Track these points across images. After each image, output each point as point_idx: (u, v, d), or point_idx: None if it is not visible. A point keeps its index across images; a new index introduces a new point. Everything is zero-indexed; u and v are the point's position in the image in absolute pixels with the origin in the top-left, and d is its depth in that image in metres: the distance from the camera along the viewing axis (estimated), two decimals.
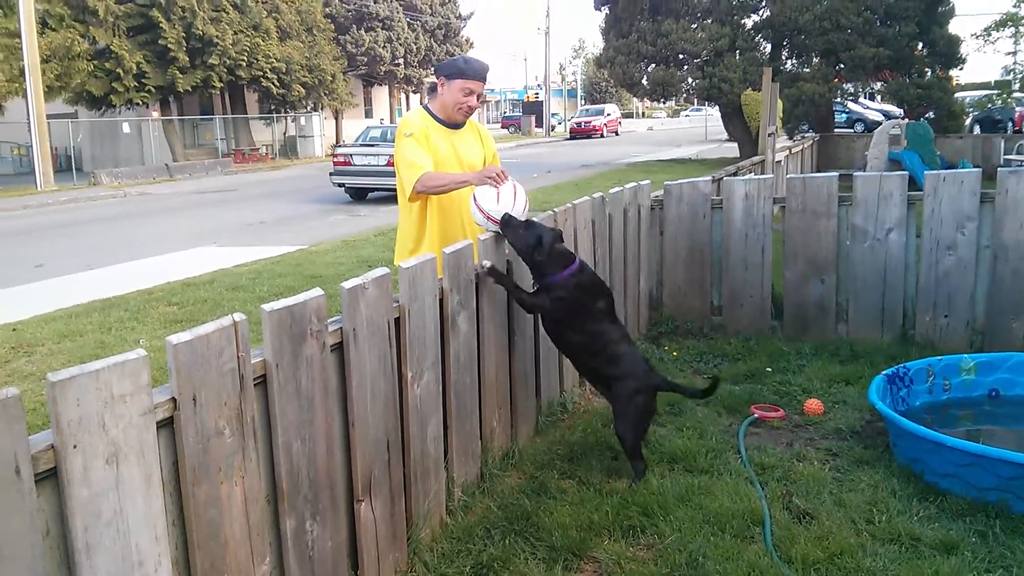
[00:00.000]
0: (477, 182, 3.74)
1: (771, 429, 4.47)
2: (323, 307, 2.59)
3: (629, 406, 3.70)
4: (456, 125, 4.03)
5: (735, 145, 27.11)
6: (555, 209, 4.60)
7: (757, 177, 6.18)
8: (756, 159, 11.41)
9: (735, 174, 9.63)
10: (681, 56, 24.87)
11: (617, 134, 53.44)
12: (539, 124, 55.94)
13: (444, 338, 3.37)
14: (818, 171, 17.98)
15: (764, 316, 5.98)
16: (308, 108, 36.58)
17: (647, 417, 3.78)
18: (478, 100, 4.01)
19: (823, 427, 4.45)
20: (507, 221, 3.67)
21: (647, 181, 6.22)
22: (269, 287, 8.60)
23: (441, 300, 3.35)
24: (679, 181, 6.24)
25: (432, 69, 46.06)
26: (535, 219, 3.88)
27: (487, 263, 3.59)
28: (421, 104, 4.16)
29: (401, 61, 42.76)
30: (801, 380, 5.06)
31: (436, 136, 3.96)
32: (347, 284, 2.75)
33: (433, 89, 4.07)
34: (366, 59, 40.14)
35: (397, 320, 3.04)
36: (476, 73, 3.93)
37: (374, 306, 2.85)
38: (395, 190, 4.17)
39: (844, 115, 36.05)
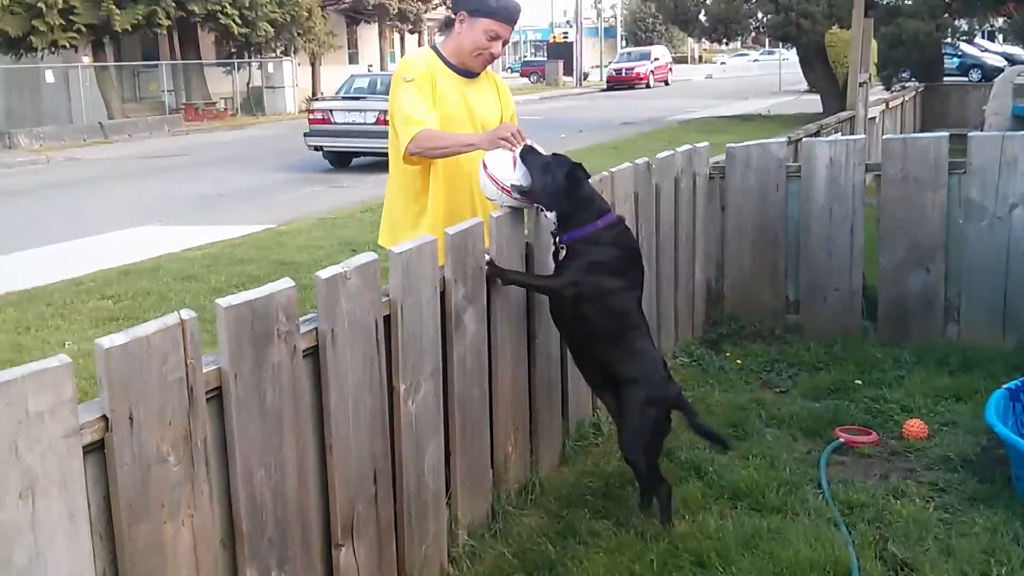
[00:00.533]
0: (488, 145, 3.73)
1: (861, 457, 4.44)
2: (294, 301, 2.59)
3: (642, 419, 3.68)
4: (471, 74, 4.03)
5: (817, 98, 26.95)
6: (589, 180, 4.58)
7: (845, 138, 6.13)
8: (844, 115, 11.35)
9: (817, 134, 9.59)
10: None
11: (667, 84, 53.43)
12: (568, 72, 55.93)
13: (446, 341, 3.37)
14: (922, 130, 17.87)
15: (853, 314, 5.95)
16: (278, 52, 36.71)
17: (661, 437, 3.79)
18: (503, 46, 4.01)
19: (927, 455, 4.42)
20: (528, 149, 3.67)
21: (704, 143, 6.19)
22: (227, 276, 8.66)
23: (443, 293, 3.35)
24: (745, 143, 6.21)
25: (437, 2, 46.28)
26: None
27: (487, 256, 3.59)
28: (431, 46, 4.15)
29: None
30: (899, 395, 5.04)
31: (445, 84, 3.96)
32: (324, 273, 2.75)
33: (448, 25, 4.12)
34: None
35: (387, 318, 3.04)
36: (508, 14, 3.93)
37: (358, 300, 2.85)
38: (386, 155, 4.18)
39: (956, 60, 35.83)
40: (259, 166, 18.93)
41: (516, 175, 3.64)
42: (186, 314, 2.27)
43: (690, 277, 6.00)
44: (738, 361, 5.71)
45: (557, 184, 3.62)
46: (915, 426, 4.62)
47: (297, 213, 12.77)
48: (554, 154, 3.74)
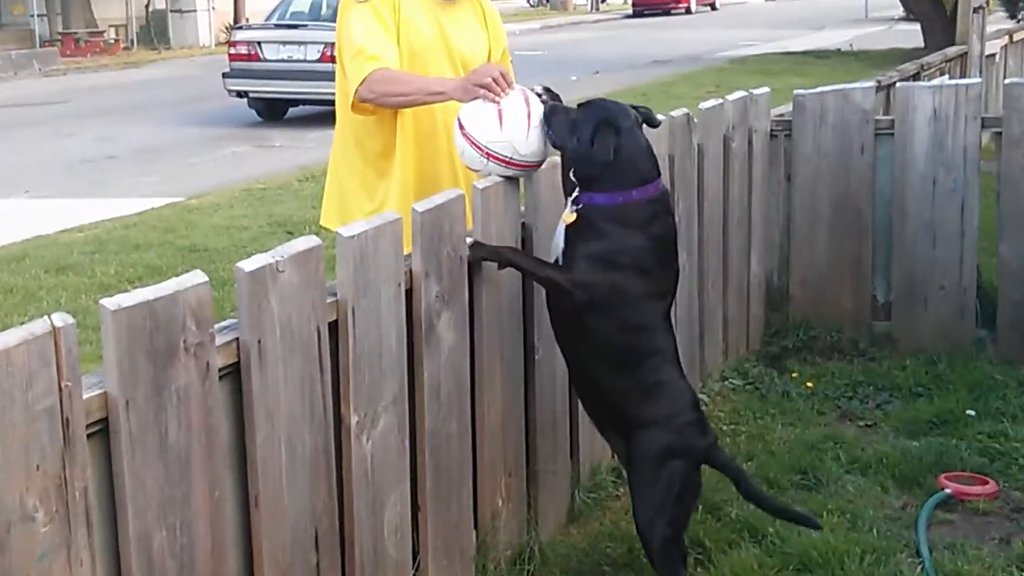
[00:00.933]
0: (462, 94, 3.75)
1: (974, 514, 4.44)
2: (207, 303, 2.58)
3: (659, 478, 3.63)
4: None
5: (916, 28, 26.97)
6: None
7: (954, 82, 6.14)
8: (952, 51, 11.39)
9: (916, 76, 9.63)
10: None
11: (714, 7, 53.57)
12: None
13: (414, 357, 3.37)
14: None
15: (964, 322, 5.97)
16: None
17: (687, 504, 3.72)
18: None
19: None
20: (553, 109, 3.66)
21: (764, 89, 6.20)
22: (118, 267, 8.66)
23: (410, 292, 3.34)
24: (819, 89, 6.21)
25: None
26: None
27: (467, 238, 3.58)
28: None
29: None
30: None
31: (413, 8, 3.98)
32: (248, 264, 2.74)
33: None
34: None
35: (334, 325, 3.04)
36: None
37: (294, 301, 2.84)
38: (333, 103, 4.21)
39: None
40: (162, 118, 18.93)
41: (505, 133, 3.64)
42: (60, 319, 2.26)
43: (744, 271, 6.01)
44: (809, 384, 5.72)
45: (587, 149, 3.56)
46: None
47: (213, 182, 12.76)
48: (590, 102, 3.69)
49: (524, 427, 4.02)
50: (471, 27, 4.16)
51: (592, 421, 3.97)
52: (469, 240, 3.59)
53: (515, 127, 3.66)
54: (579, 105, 3.75)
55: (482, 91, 3.68)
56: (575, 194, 3.65)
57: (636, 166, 3.62)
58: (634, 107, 3.74)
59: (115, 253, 9.14)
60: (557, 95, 3.81)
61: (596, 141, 3.54)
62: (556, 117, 3.69)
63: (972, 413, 5.27)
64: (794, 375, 5.82)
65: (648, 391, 3.67)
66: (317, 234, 9.30)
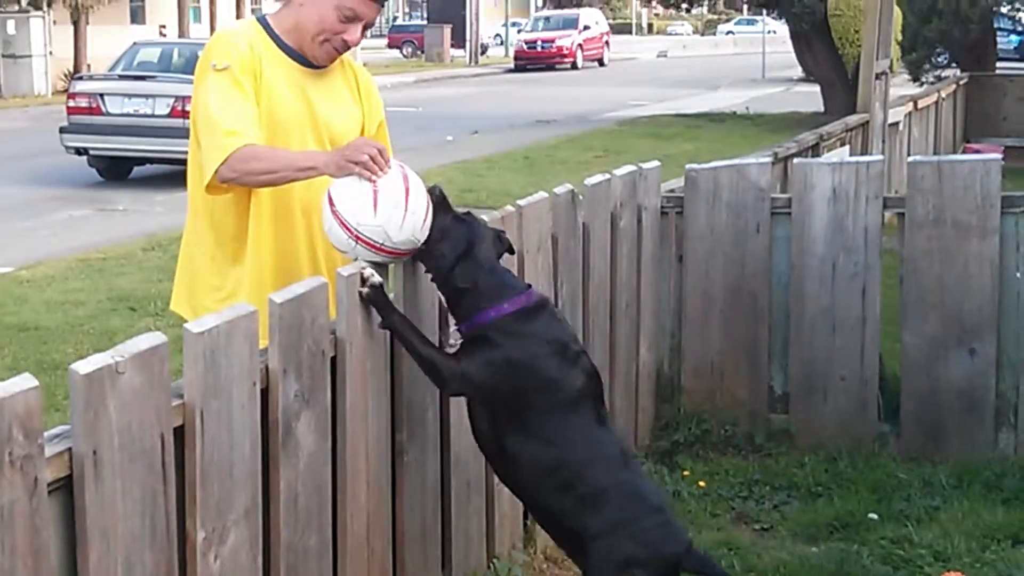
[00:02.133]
0: (335, 170, 3.74)
1: None
2: (36, 410, 2.54)
3: None
4: (314, 64, 4.05)
5: (815, 89, 27.70)
6: (485, 216, 4.61)
7: (855, 159, 6.30)
8: (853, 120, 11.67)
9: (815, 148, 9.84)
10: None
11: (602, 64, 54.37)
12: (458, 43, 56.44)
13: (269, 464, 3.34)
14: (966, 140, 18.45)
15: (865, 415, 6.08)
16: (22, 3, 36.18)
17: None
18: (364, 31, 4.04)
19: None
20: (439, 197, 3.76)
21: (654, 163, 6.29)
22: None
23: (265, 391, 3.32)
24: (714, 164, 6.32)
25: None
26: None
27: (373, 275, 3.64)
28: (257, 17, 4.15)
29: None
30: (932, 536, 5.13)
31: (276, 76, 3.96)
32: (84, 365, 2.71)
33: None
34: None
35: (179, 430, 3.00)
36: None
37: (135, 406, 2.80)
38: (184, 161, 4.18)
39: (1014, 38, 37.17)
40: None
41: (379, 218, 3.64)
42: None
43: (633, 359, 6.06)
44: (701, 483, 5.76)
45: (451, 252, 3.72)
46: None
47: (48, 250, 12.56)
48: (466, 213, 3.85)
49: (391, 538, 3.98)
50: (342, 99, 4.14)
51: (548, 533, 4.04)
52: (371, 275, 3.62)
53: (390, 212, 3.66)
54: (461, 214, 3.85)
55: (356, 168, 3.68)
56: (457, 329, 3.81)
57: (506, 281, 3.82)
58: (497, 232, 3.91)
59: None
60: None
61: (463, 254, 3.72)
62: (440, 212, 3.77)
63: (875, 516, 5.36)
64: (686, 473, 5.87)
65: (590, 502, 3.69)
66: (163, 311, 9.14)
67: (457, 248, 3.74)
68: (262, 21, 4.08)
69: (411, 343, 3.76)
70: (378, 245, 3.68)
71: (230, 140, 3.77)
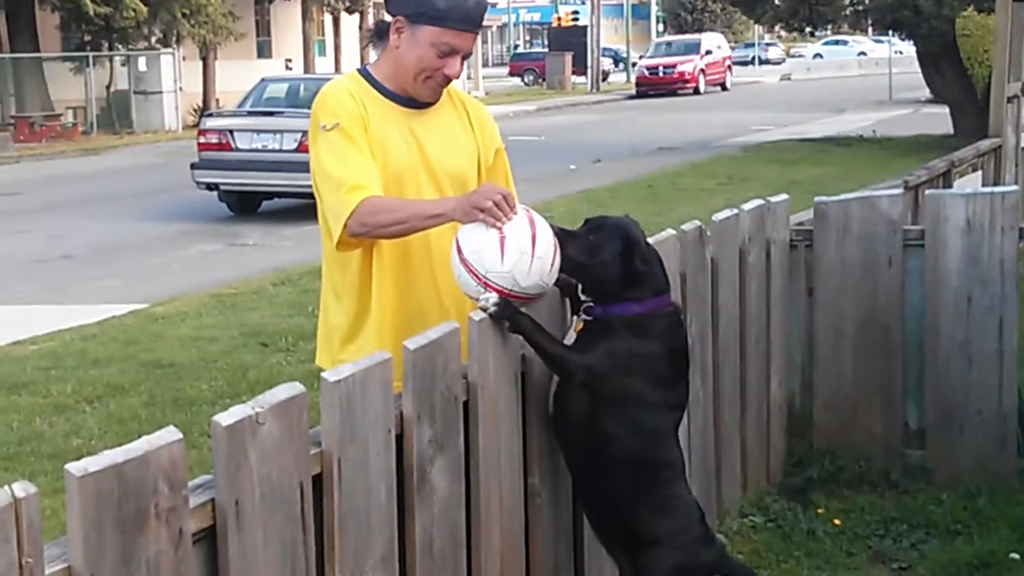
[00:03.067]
0: (462, 216, 3.76)
1: None
2: (180, 462, 2.59)
3: None
4: (420, 103, 4.09)
5: (944, 111, 27.30)
6: None
7: (988, 190, 6.21)
8: (985, 145, 11.48)
9: (947, 174, 9.69)
10: None
11: (724, 88, 54.16)
12: (579, 69, 56.56)
13: (404, 509, 3.36)
14: None
15: (1004, 451, 5.99)
16: (152, 41, 36.98)
17: None
18: (463, 62, 4.06)
19: None
20: (565, 236, 3.84)
21: (783, 196, 6.25)
22: (76, 385, 8.67)
23: (400, 436, 3.35)
24: (844, 197, 6.26)
25: None
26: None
27: (492, 299, 3.68)
28: (358, 69, 4.19)
29: None
30: None
31: (384, 123, 3.99)
32: (226, 417, 2.75)
33: (381, 35, 4.11)
34: None
35: (317, 478, 3.04)
36: (466, 16, 3.98)
37: (275, 456, 2.85)
38: (312, 195, 4.22)
39: None
40: (124, 212, 19.02)
41: (506, 265, 3.66)
42: (21, 489, 2.26)
43: (763, 394, 6.02)
44: (836, 521, 5.70)
45: (613, 268, 3.84)
46: None
47: (180, 285, 12.80)
48: (600, 223, 3.94)
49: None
50: (453, 134, 4.13)
51: (598, 539, 4.14)
52: (492, 297, 3.66)
53: (517, 258, 3.67)
54: (587, 225, 3.95)
55: (482, 215, 3.70)
56: (586, 306, 3.89)
57: (654, 278, 3.91)
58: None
59: (72, 369, 9.14)
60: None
61: (622, 258, 3.83)
62: (571, 243, 3.83)
63: (1016, 556, 5.26)
64: (820, 511, 5.81)
65: (661, 506, 3.88)
66: (294, 347, 9.28)
67: (617, 237, 3.87)
68: (363, 72, 4.11)
69: (539, 343, 3.85)
70: (507, 291, 3.69)
71: (354, 195, 3.79)
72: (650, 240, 4.88)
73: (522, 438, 3.96)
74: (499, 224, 3.68)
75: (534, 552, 4.04)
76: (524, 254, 3.68)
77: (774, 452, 6.15)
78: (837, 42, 70.92)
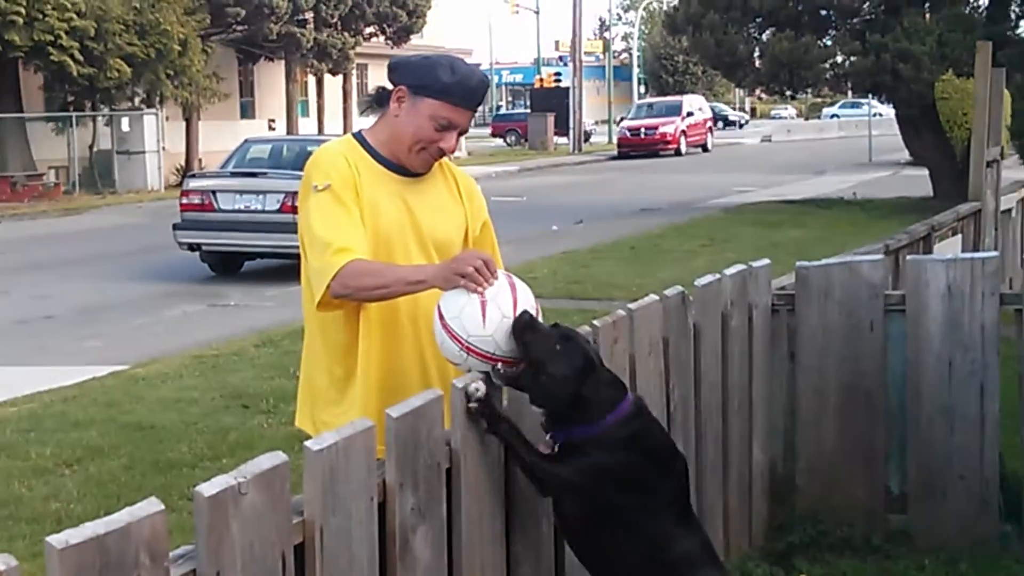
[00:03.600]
0: (443, 283, 3.79)
1: None
2: (162, 533, 2.58)
3: None
4: (412, 172, 4.10)
5: (924, 173, 27.50)
6: (596, 321, 4.64)
7: (969, 256, 6.24)
8: (965, 208, 11.54)
9: (926, 238, 9.74)
10: (823, 13, 25.37)
11: (706, 149, 54.45)
12: (561, 130, 56.85)
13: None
14: None
15: (987, 516, 5.98)
16: (136, 101, 37.06)
17: None
18: (459, 137, 4.09)
19: None
20: (527, 323, 3.75)
21: (764, 261, 6.27)
22: (56, 448, 8.61)
23: (382, 504, 3.34)
24: (825, 262, 6.29)
25: (370, 32, 47.08)
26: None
27: (479, 387, 3.68)
28: (353, 134, 4.22)
29: (310, 16, 43.66)
30: None
31: (376, 188, 4.02)
32: (208, 487, 2.75)
33: (381, 102, 4.15)
34: (244, 12, 40.99)
35: (299, 547, 3.03)
36: (469, 94, 4.03)
37: (257, 527, 2.84)
38: (295, 256, 4.24)
39: None
40: (106, 273, 18.99)
41: (488, 328, 3.67)
42: (3, 563, 2.26)
43: (746, 459, 6.01)
44: None
45: (565, 385, 3.75)
46: None
47: (162, 347, 12.76)
48: (556, 329, 3.86)
49: None
50: (443, 204, 4.17)
51: None
52: (477, 387, 3.65)
53: (499, 322, 3.70)
54: (556, 329, 3.88)
55: (463, 280, 3.72)
56: (551, 435, 3.84)
57: (605, 395, 3.84)
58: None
59: (52, 431, 9.08)
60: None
61: (576, 381, 3.77)
62: (530, 335, 3.76)
63: None
64: (803, 575, 5.79)
65: None
66: (274, 409, 9.22)
67: (577, 354, 3.80)
68: (358, 137, 4.15)
69: (515, 449, 3.82)
70: (489, 355, 3.71)
71: (339, 258, 3.82)
72: (634, 307, 4.94)
73: (504, 506, 3.96)
74: (480, 289, 3.70)
75: None
76: (506, 318, 3.71)
77: (756, 517, 6.12)
78: (855, 104, 71.46)
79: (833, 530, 6.11)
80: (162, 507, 2.60)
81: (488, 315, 3.69)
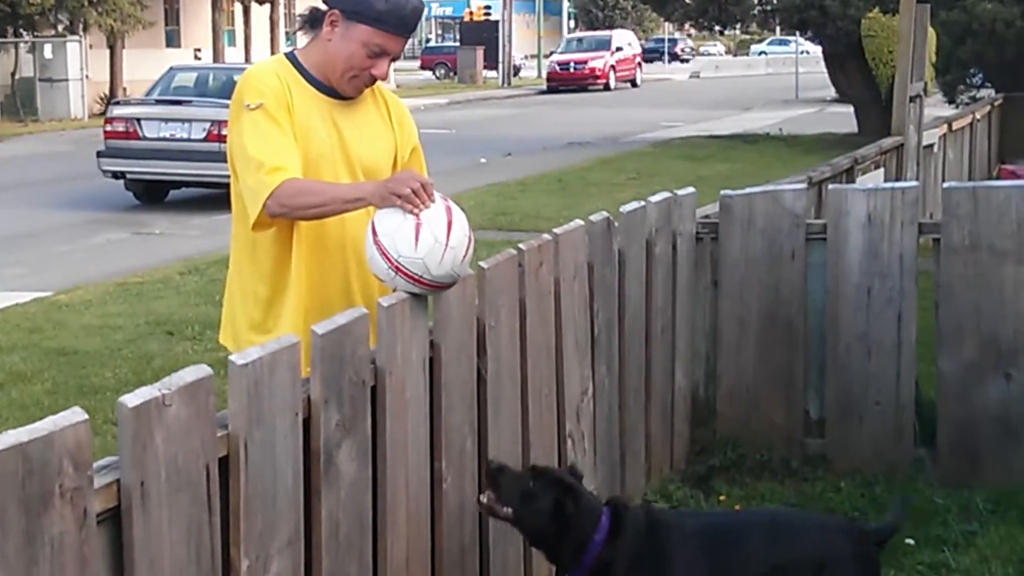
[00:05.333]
0: (380, 201, 3.79)
1: None
2: (86, 443, 2.58)
3: None
4: (343, 95, 4.10)
5: (849, 110, 27.66)
6: (521, 245, 4.66)
7: (890, 185, 6.32)
8: (888, 143, 11.65)
9: (850, 171, 9.84)
10: None
11: (635, 84, 54.42)
12: (491, 64, 56.57)
13: (311, 492, 3.37)
14: (1002, 162, 18.36)
15: (901, 440, 6.10)
16: (59, 28, 36.48)
17: None
18: (390, 64, 4.09)
19: None
20: (497, 470, 3.93)
21: (690, 190, 6.32)
22: None
23: (307, 420, 3.36)
24: (749, 190, 6.35)
25: None
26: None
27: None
28: (286, 54, 4.20)
29: None
30: (969, 561, 5.14)
31: (306, 110, 4.01)
32: (131, 398, 2.75)
33: (315, 23, 4.12)
34: None
35: (224, 460, 3.05)
36: (402, 22, 4.00)
37: (182, 439, 2.84)
38: (221, 185, 4.22)
39: None
40: (29, 200, 18.75)
41: (419, 251, 3.68)
42: None
43: (668, 384, 6.09)
44: (737, 507, 5.75)
45: (543, 517, 3.88)
46: None
47: (85, 274, 12.65)
48: (532, 468, 4.08)
49: (430, 564, 4.01)
50: (374, 129, 4.16)
51: None
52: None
53: (431, 246, 3.70)
54: (532, 470, 4.07)
55: (400, 200, 3.73)
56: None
57: (586, 517, 3.92)
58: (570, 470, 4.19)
59: None
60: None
61: (555, 509, 3.87)
62: (503, 480, 3.91)
63: (911, 541, 5.34)
64: (722, 497, 5.88)
65: None
66: (200, 335, 9.18)
67: (549, 494, 3.89)
68: (290, 57, 4.12)
69: None
70: (417, 277, 3.72)
71: (274, 176, 3.81)
72: (559, 231, 4.96)
73: (429, 424, 3.98)
74: (416, 211, 3.71)
75: (440, 537, 4.06)
76: (438, 242, 3.71)
77: (678, 440, 6.20)
78: (782, 42, 71.47)
79: (752, 454, 6.21)
80: (86, 417, 2.59)
81: (421, 237, 3.69)
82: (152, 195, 18.65)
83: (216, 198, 16.08)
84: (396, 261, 3.70)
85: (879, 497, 5.80)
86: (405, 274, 3.71)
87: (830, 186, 6.85)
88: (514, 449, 4.54)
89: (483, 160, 23.51)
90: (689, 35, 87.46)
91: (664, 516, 4.20)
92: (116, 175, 18.34)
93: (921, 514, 5.59)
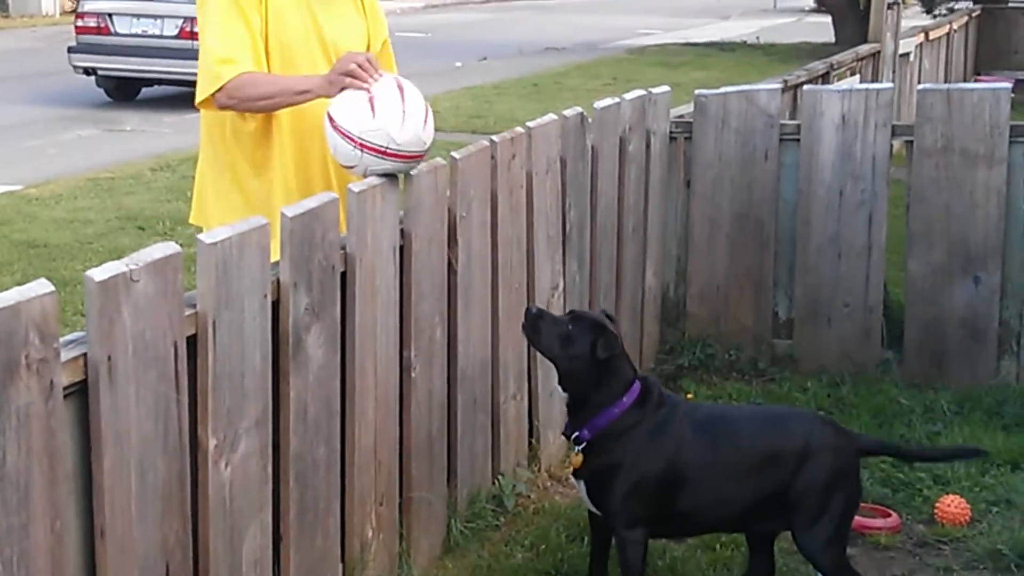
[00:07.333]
0: (329, 89, 3.82)
1: (874, 549, 4.57)
2: (52, 315, 2.58)
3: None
4: None
5: (827, 20, 27.50)
6: (494, 136, 4.64)
7: (864, 86, 6.29)
8: (864, 49, 11.63)
9: (825, 76, 9.82)
10: None
11: None
12: None
13: (279, 374, 3.39)
14: (977, 72, 18.37)
15: (869, 342, 6.13)
16: None
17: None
18: None
19: (969, 547, 4.57)
20: (537, 316, 3.98)
21: (664, 88, 6.28)
22: None
23: (276, 303, 3.36)
24: (724, 90, 6.32)
25: None
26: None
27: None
28: None
29: None
30: None
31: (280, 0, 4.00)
32: (99, 272, 2.74)
33: None
34: None
35: (192, 339, 3.05)
36: None
37: (150, 314, 2.85)
38: (193, 83, 4.23)
39: None
40: None
41: (378, 120, 3.69)
42: None
43: (638, 283, 6.10)
44: None
45: (584, 361, 3.89)
46: (953, 505, 4.76)
47: (56, 169, 12.54)
48: (571, 313, 4.14)
49: (398, 451, 4.05)
50: (347, 17, 4.17)
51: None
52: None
53: (389, 112, 3.73)
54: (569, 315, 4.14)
55: (348, 80, 3.74)
56: (575, 437, 3.95)
57: (621, 375, 3.98)
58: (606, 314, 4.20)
59: None
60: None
61: (594, 350, 3.89)
62: (543, 325, 3.96)
63: None
64: (690, 396, 5.89)
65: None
66: (171, 231, 9.13)
67: (586, 337, 3.92)
68: None
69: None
70: (382, 149, 3.74)
71: (225, 68, 3.85)
72: (532, 125, 4.94)
73: (399, 312, 4.00)
74: (366, 85, 3.72)
75: (408, 424, 4.10)
76: (395, 107, 3.75)
77: (647, 339, 6.23)
78: None
79: (721, 354, 6.25)
80: (52, 289, 2.58)
81: (376, 107, 3.72)
82: (124, 92, 18.40)
83: (188, 96, 15.55)
84: (359, 138, 3.71)
85: (845, 397, 5.85)
86: (371, 148, 3.72)
87: (805, 87, 6.82)
88: (483, 340, 4.56)
89: (459, 64, 23.32)
90: None
91: (679, 401, 4.28)
92: (87, 71, 18.07)
93: (886, 414, 5.67)
